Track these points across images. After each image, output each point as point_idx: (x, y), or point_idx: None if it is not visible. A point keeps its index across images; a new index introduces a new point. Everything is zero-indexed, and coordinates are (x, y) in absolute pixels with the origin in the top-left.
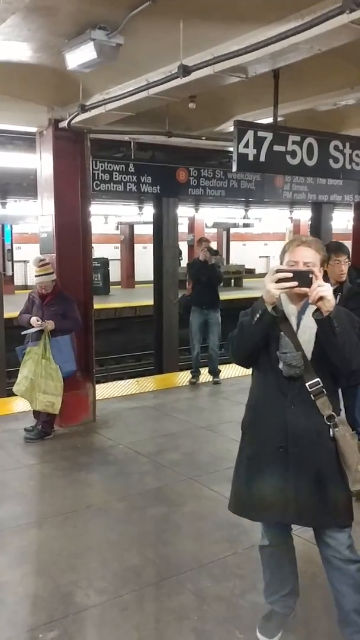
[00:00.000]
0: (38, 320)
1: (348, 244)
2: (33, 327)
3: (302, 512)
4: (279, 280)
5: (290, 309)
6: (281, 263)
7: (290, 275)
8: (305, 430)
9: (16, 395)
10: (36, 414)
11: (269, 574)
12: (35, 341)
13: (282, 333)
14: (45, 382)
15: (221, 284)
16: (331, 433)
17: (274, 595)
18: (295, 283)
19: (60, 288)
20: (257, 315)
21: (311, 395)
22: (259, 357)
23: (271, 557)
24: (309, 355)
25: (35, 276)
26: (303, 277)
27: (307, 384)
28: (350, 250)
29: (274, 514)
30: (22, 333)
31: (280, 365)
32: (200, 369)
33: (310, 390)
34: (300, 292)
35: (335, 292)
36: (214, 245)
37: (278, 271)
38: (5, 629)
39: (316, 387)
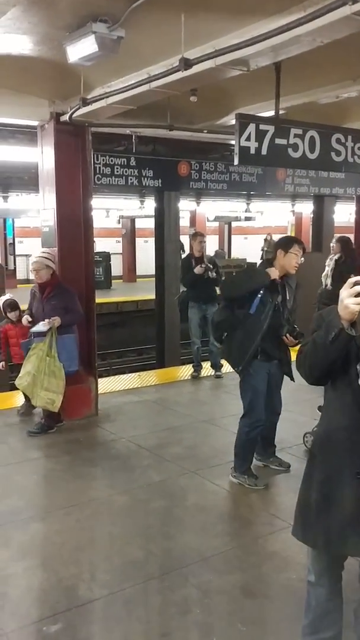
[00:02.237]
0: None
1: (350, 236)
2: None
3: None
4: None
5: None
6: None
7: None
8: None
9: (18, 389)
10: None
11: (317, 616)
12: (41, 337)
13: None
14: (47, 379)
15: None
16: None
17: (314, 635)
18: None
19: (59, 280)
20: (333, 334)
21: None
22: (335, 374)
23: (324, 599)
24: None
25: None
26: None
27: None
28: (353, 242)
29: (350, 547)
30: (32, 330)
31: None
32: (202, 363)
33: None
34: None
35: (279, 283)
36: (215, 238)
37: (357, 283)
38: (9, 621)
39: None
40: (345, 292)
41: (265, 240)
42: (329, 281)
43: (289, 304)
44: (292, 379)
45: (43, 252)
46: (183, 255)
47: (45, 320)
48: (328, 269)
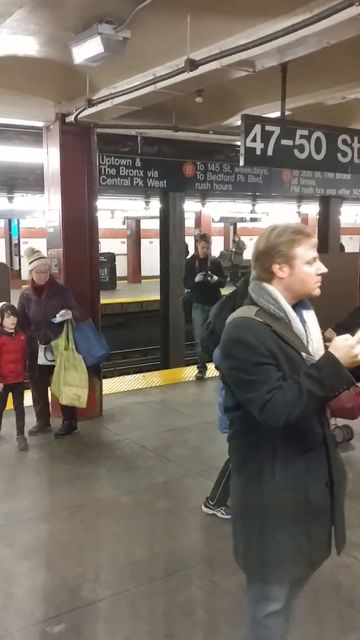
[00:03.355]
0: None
1: (357, 238)
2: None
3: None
4: None
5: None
6: (285, 258)
7: None
8: (337, 455)
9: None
10: (40, 412)
11: None
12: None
13: None
14: (68, 374)
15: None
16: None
17: None
18: None
19: (53, 279)
20: (342, 389)
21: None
22: None
23: (284, 622)
24: None
25: (31, 262)
26: None
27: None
28: (359, 244)
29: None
30: (56, 321)
31: None
32: (207, 364)
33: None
34: None
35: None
36: (220, 240)
37: None
38: (13, 621)
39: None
40: (356, 342)
41: (234, 241)
42: None
43: None
44: None
45: (40, 252)
46: (188, 256)
47: (57, 315)
48: None
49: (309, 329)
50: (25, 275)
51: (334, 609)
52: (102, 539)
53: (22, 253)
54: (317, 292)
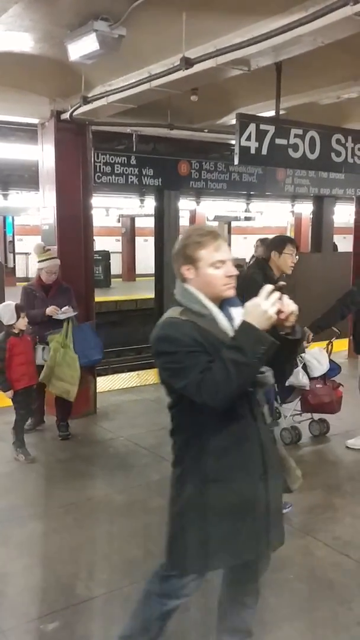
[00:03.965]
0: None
1: (350, 238)
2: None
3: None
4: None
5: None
6: (190, 260)
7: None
8: (273, 449)
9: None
10: (36, 410)
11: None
12: (57, 329)
13: None
14: (61, 370)
15: None
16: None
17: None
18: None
19: (60, 278)
20: (262, 350)
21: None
22: None
23: (171, 612)
24: None
25: (40, 261)
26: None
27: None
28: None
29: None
30: (61, 317)
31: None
32: None
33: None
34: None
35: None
36: None
37: (274, 289)
38: (7, 619)
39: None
40: (266, 302)
41: None
42: None
43: None
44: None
45: (46, 248)
46: None
47: (62, 309)
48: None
49: (236, 325)
50: (19, 273)
51: (327, 607)
52: (96, 537)
53: (32, 250)
54: (229, 293)
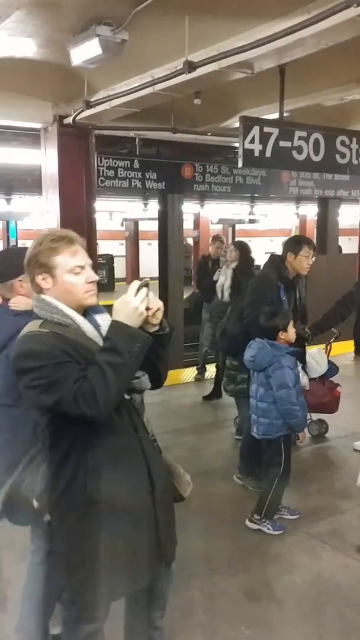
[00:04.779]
0: None
1: (355, 239)
2: None
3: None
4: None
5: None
6: (45, 268)
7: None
8: (159, 460)
9: None
10: None
11: None
12: None
13: None
14: None
15: None
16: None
17: None
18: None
19: None
20: (137, 347)
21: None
22: None
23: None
24: None
25: None
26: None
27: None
28: (357, 245)
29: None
30: None
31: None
32: (207, 366)
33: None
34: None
35: (292, 284)
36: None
37: (141, 286)
38: (11, 624)
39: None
40: (136, 299)
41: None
42: (227, 293)
43: (302, 302)
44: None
45: None
46: (199, 258)
47: None
48: (224, 279)
49: (104, 332)
50: None
51: (334, 609)
52: None
53: None
54: (92, 300)
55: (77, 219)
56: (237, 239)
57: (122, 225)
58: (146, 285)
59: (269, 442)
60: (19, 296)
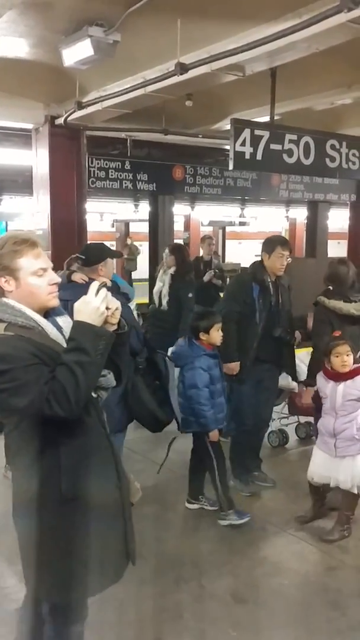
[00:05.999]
0: None
1: (344, 243)
2: None
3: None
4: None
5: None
6: (8, 270)
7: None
8: (119, 456)
9: None
10: None
11: None
12: None
13: None
14: None
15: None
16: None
17: None
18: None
19: None
20: (103, 345)
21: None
22: None
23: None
24: None
25: None
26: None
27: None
28: (346, 248)
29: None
30: None
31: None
32: None
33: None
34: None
35: (266, 286)
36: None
37: (100, 286)
38: (7, 635)
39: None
40: (97, 299)
41: (126, 245)
42: (165, 300)
43: (284, 305)
44: (294, 379)
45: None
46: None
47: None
48: (162, 285)
49: (67, 334)
50: None
51: (321, 611)
52: None
53: None
54: (54, 302)
55: (68, 220)
56: (227, 241)
57: (113, 226)
58: (105, 285)
59: (197, 440)
60: None
